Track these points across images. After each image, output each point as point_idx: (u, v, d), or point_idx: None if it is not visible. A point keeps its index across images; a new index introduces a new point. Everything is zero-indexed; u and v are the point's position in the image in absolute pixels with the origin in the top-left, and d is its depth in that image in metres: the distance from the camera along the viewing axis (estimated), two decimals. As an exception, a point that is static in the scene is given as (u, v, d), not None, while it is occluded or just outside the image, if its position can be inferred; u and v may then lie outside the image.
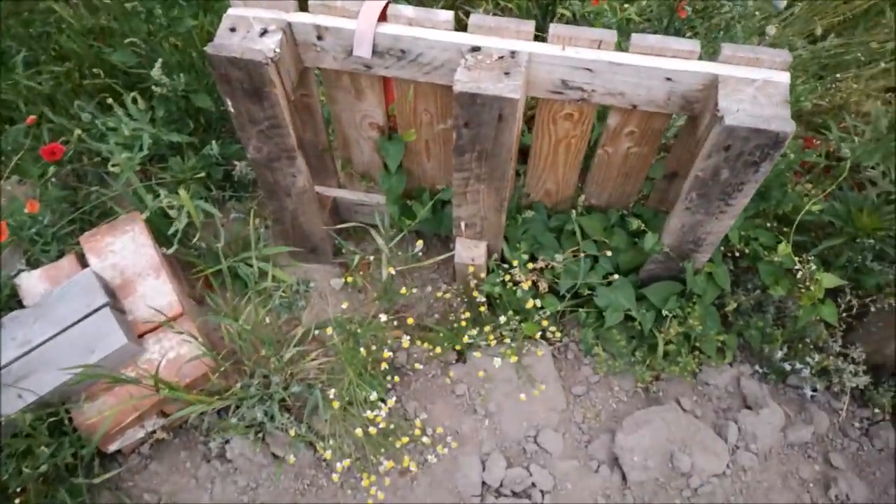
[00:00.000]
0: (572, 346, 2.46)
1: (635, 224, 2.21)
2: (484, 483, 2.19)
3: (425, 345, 2.29)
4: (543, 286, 2.35)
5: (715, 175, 1.79)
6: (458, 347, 2.31)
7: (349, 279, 2.55)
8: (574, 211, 2.35)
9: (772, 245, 2.27)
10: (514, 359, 2.20)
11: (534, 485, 2.16)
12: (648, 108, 1.87)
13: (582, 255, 2.28)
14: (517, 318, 2.34)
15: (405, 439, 2.09)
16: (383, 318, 2.17)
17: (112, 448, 2.22)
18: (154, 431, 2.28)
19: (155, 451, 2.33)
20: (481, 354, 2.24)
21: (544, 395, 2.28)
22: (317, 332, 2.37)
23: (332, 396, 2.10)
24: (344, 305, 2.26)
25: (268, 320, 2.43)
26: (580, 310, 2.36)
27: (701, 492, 2.09)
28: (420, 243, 2.28)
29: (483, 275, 2.34)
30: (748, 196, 1.84)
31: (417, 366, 2.23)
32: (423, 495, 2.20)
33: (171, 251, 2.21)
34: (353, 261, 2.56)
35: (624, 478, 2.15)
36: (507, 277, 2.28)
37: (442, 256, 2.39)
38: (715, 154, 1.73)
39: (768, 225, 2.33)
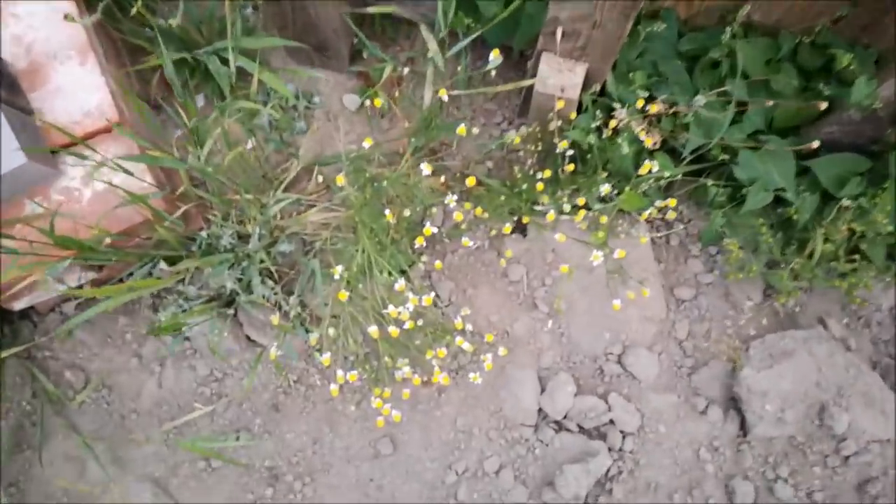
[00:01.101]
0: (679, 228, 1.74)
1: (844, 60, 1.40)
2: (541, 410, 1.56)
3: (478, 210, 1.55)
4: (655, 140, 1.59)
5: None
6: (525, 219, 1.57)
7: (376, 101, 1.76)
8: (727, 30, 1.52)
9: None
10: (610, 252, 1.48)
11: (612, 422, 1.54)
12: None
13: (733, 103, 1.49)
14: (610, 182, 1.59)
15: (442, 352, 1.42)
16: (426, 170, 1.41)
17: (18, 306, 1.56)
18: (81, 286, 1.60)
19: (83, 311, 1.67)
20: (564, 236, 1.51)
21: (638, 297, 1.59)
22: (321, 177, 1.63)
23: (338, 275, 1.40)
24: (366, 144, 1.48)
25: (251, 147, 1.67)
26: (706, 181, 1.61)
27: (853, 462, 1.47)
28: (496, 55, 1.46)
29: (573, 115, 1.56)
30: None
31: (466, 241, 1.51)
32: (454, 414, 1.59)
33: (90, 20, 1.39)
34: (381, 72, 1.76)
35: (743, 427, 1.52)
36: (612, 124, 1.51)
37: (518, 83, 1.57)
38: None
39: None
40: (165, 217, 1.42)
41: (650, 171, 1.47)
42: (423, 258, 1.51)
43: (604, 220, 1.49)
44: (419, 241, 1.39)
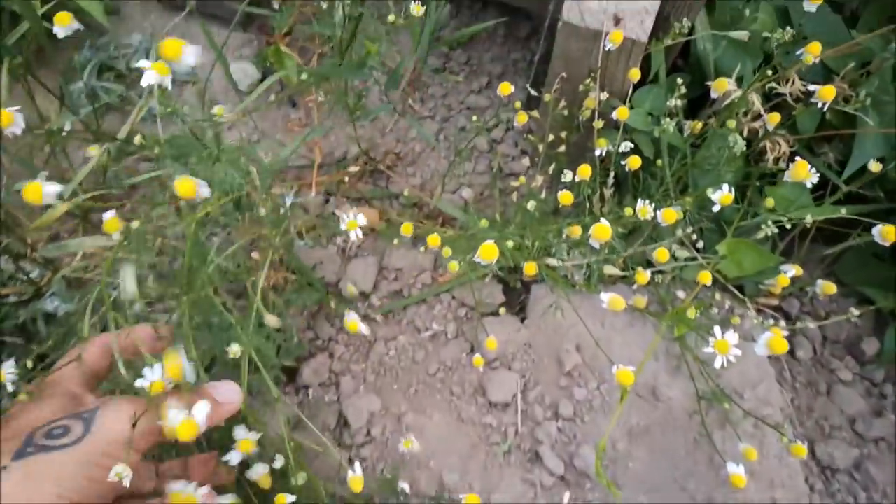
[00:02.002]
0: (807, 325, 0.92)
1: None
2: None
3: (435, 242, 0.73)
4: (782, 150, 0.83)
5: None
6: (529, 269, 0.74)
7: (276, 63, 1.01)
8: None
9: None
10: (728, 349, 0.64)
11: None
12: None
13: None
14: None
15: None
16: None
17: None
18: None
19: None
20: (620, 300, 0.68)
21: (761, 457, 0.75)
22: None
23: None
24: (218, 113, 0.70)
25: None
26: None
27: None
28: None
29: (634, 75, 0.78)
30: None
31: (405, 314, 0.68)
32: None
33: None
34: (282, 16, 1.02)
35: None
36: (721, 86, 0.74)
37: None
38: None
39: None
40: None
41: (803, 185, 0.68)
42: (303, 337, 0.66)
43: (706, 278, 0.67)
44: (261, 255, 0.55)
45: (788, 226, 0.78)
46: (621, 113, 0.71)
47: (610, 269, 0.71)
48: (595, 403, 0.81)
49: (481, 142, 1.07)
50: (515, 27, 1.14)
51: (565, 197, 0.68)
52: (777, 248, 0.95)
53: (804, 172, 0.66)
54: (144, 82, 0.53)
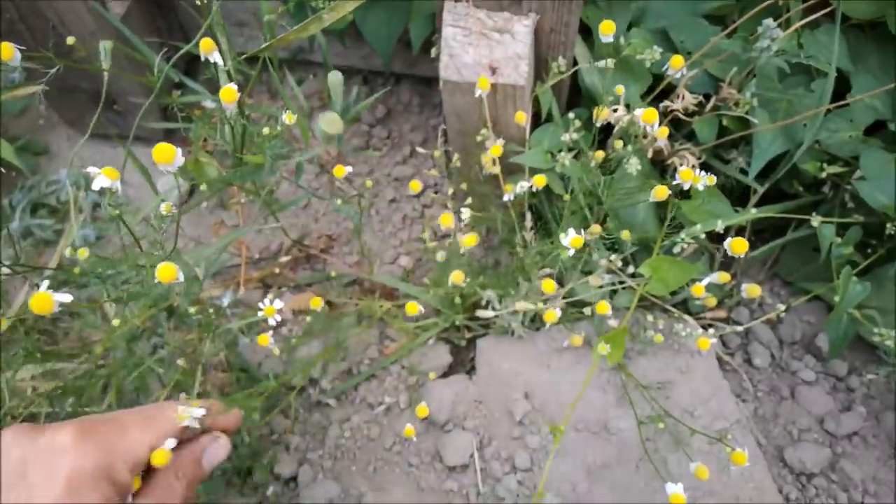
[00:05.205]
0: (766, 336, 0.92)
1: None
2: None
3: (365, 306, 0.74)
4: (690, 164, 0.85)
5: None
6: (455, 319, 0.73)
7: (192, 168, 1.03)
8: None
9: None
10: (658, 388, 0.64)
11: None
12: None
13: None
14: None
15: None
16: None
17: None
18: None
19: None
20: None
21: (717, 469, 0.72)
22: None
23: None
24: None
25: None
26: (815, 219, 0.80)
27: None
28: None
29: (519, 118, 0.79)
30: None
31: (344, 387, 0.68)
32: None
33: None
34: (197, 126, 1.05)
35: None
36: (600, 110, 0.75)
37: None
38: None
39: None
40: None
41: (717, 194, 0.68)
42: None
43: (631, 298, 0.65)
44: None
45: (722, 230, 0.78)
46: (495, 151, 0.72)
47: (522, 304, 0.71)
48: (550, 449, 0.79)
49: (412, 209, 1.08)
50: (430, 95, 1.18)
51: (469, 240, 0.69)
52: (715, 260, 0.95)
53: (690, 175, 0.66)
54: (96, 186, 0.52)
